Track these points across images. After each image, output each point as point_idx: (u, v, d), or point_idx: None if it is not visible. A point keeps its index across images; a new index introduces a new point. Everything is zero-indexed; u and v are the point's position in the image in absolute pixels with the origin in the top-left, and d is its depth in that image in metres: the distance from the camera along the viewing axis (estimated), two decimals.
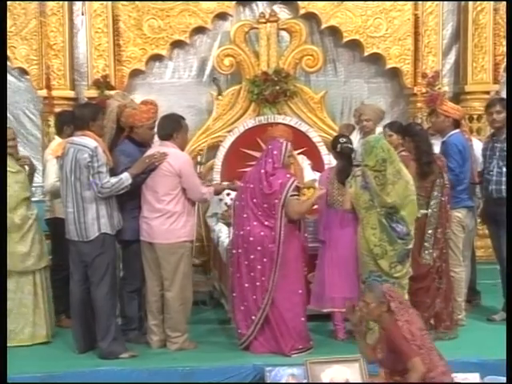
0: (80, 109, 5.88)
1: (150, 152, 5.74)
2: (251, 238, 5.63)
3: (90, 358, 5.63)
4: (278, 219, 5.61)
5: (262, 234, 5.62)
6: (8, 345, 5.60)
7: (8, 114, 8.20)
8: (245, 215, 5.69)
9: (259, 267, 5.62)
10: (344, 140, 6.14)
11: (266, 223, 5.64)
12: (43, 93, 8.40)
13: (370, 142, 5.78)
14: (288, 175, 5.75)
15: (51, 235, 6.41)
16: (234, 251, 5.75)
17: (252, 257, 5.63)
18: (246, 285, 5.65)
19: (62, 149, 5.64)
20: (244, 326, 5.70)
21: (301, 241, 5.80)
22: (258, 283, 5.62)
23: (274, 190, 5.63)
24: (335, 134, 7.79)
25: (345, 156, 6.09)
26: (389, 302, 4.62)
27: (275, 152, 5.77)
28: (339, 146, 6.12)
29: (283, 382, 5.05)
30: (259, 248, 5.62)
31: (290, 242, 5.64)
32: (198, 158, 7.30)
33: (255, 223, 5.65)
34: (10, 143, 5.79)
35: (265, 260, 5.61)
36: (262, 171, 5.70)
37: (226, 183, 6.57)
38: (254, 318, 5.65)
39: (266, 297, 5.60)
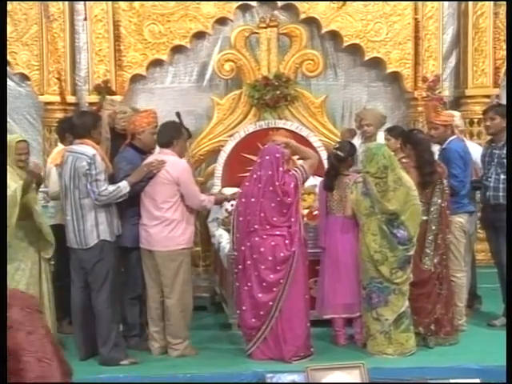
0: (80, 117, 5.87)
1: (148, 160, 5.76)
2: (262, 249, 5.61)
3: (90, 364, 5.64)
4: (298, 221, 5.64)
5: (273, 243, 5.61)
6: None
7: (9, 120, 8.23)
8: (252, 229, 5.64)
9: (272, 276, 5.60)
10: (336, 146, 6.15)
11: (278, 232, 5.63)
12: (44, 98, 8.42)
13: (371, 148, 5.79)
14: (291, 173, 5.72)
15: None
16: (241, 266, 5.70)
17: (263, 267, 5.61)
18: (260, 295, 5.62)
19: (61, 157, 5.66)
20: (254, 334, 5.68)
21: (303, 245, 5.79)
22: (271, 292, 5.59)
23: (292, 198, 5.64)
24: (336, 138, 7.83)
25: (329, 162, 6.12)
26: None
27: (277, 155, 5.73)
28: (330, 151, 6.17)
29: None
30: (270, 258, 5.60)
31: (299, 247, 5.66)
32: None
33: (264, 236, 5.63)
34: (22, 157, 5.70)
35: (278, 268, 5.59)
36: (277, 184, 5.63)
37: (227, 193, 6.56)
38: (265, 322, 5.62)
39: (276, 302, 5.60)
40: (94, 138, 5.62)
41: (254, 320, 5.65)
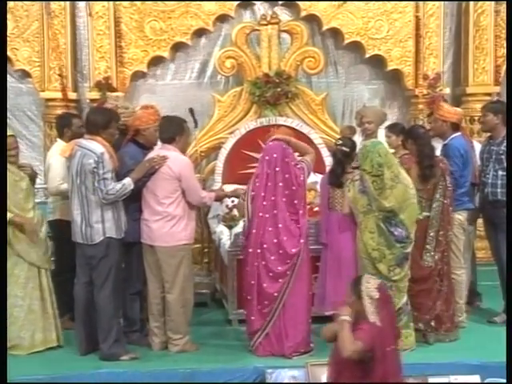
0: (93, 114, 5.83)
1: (150, 155, 5.75)
2: (275, 240, 5.62)
3: (91, 359, 5.64)
4: (305, 214, 5.68)
5: (285, 238, 5.62)
6: (19, 353, 5.68)
7: (10, 116, 8.28)
8: (267, 215, 5.63)
9: (279, 268, 5.61)
10: (340, 142, 6.15)
11: (291, 228, 5.64)
12: (45, 94, 8.43)
13: (366, 146, 5.75)
14: (299, 166, 5.73)
15: (54, 237, 6.40)
16: (251, 249, 5.65)
17: (272, 258, 5.62)
18: (265, 285, 5.63)
19: (71, 150, 5.65)
20: (258, 328, 5.68)
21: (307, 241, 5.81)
22: (277, 283, 5.61)
23: (302, 190, 5.68)
24: (337, 135, 7.84)
25: (335, 158, 6.11)
26: None
27: (289, 150, 5.75)
28: (334, 147, 6.17)
29: None
30: (281, 251, 5.62)
31: (305, 243, 5.68)
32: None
33: (278, 227, 5.62)
34: (12, 152, 5.72)
35: (288, 261, 5.60)
36: (287, 176, 5.63)
37: (228, 189, 6.55)
38: (268, 315, 5.64)
39: (281, 294, 5.61)
40: (104, 137, 5.59)
41: (259, 307, 5.65)
